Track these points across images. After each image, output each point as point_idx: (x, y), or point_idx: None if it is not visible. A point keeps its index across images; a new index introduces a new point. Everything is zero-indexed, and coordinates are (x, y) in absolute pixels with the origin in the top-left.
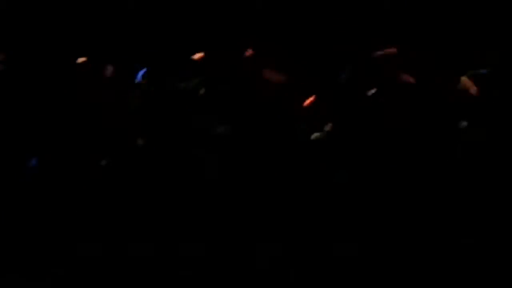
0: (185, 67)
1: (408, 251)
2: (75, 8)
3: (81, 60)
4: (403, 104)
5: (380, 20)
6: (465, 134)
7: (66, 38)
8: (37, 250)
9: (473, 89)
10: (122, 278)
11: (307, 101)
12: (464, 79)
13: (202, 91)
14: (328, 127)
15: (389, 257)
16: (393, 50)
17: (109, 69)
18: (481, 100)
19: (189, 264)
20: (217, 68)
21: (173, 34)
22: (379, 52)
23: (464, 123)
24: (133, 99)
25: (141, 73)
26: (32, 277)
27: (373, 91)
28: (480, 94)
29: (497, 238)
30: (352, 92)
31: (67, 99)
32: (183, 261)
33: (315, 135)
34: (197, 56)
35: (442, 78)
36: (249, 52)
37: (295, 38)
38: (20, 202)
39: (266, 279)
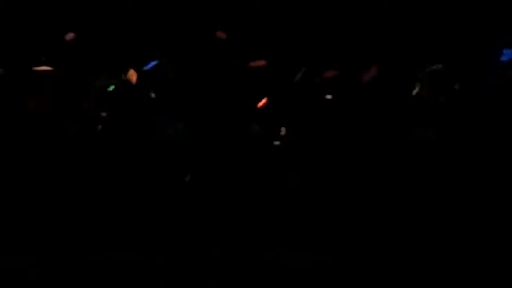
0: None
1: (356, 253)
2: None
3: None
4: (355, 105)
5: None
6: (414, 134)
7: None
8: None
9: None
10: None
11: (261, 103)
12: None
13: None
14: (283, 132)
15: (342, 262)
16: None
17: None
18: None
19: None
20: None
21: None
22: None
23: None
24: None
25: (151, 64)
26: None
27: (329, 96)
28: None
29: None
30: (305, 93)
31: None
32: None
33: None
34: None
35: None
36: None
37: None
38: None
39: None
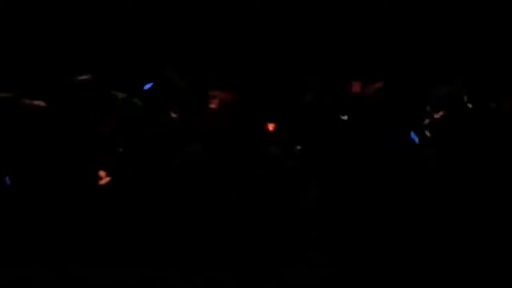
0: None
1: (374, 268)
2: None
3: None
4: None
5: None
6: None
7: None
8: None
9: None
10: None
11: (270, 126)
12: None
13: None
14: (297, 150)
15: (358, 274)
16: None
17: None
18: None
19: None
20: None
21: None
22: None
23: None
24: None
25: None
26: None
27: (345, 117)
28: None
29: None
30: (317, 113)
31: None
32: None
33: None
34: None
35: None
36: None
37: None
38: None
39: None
